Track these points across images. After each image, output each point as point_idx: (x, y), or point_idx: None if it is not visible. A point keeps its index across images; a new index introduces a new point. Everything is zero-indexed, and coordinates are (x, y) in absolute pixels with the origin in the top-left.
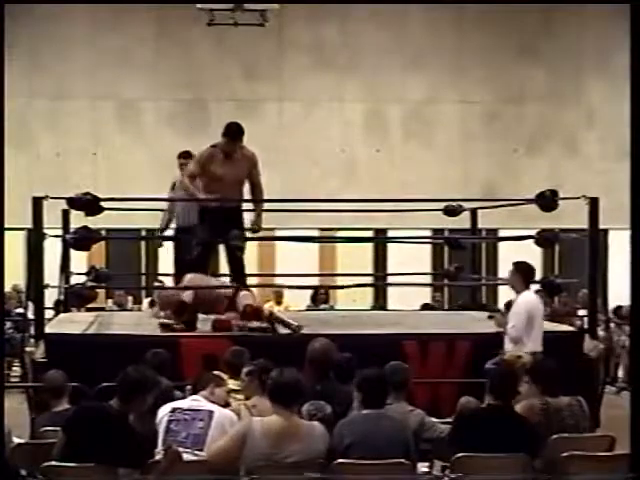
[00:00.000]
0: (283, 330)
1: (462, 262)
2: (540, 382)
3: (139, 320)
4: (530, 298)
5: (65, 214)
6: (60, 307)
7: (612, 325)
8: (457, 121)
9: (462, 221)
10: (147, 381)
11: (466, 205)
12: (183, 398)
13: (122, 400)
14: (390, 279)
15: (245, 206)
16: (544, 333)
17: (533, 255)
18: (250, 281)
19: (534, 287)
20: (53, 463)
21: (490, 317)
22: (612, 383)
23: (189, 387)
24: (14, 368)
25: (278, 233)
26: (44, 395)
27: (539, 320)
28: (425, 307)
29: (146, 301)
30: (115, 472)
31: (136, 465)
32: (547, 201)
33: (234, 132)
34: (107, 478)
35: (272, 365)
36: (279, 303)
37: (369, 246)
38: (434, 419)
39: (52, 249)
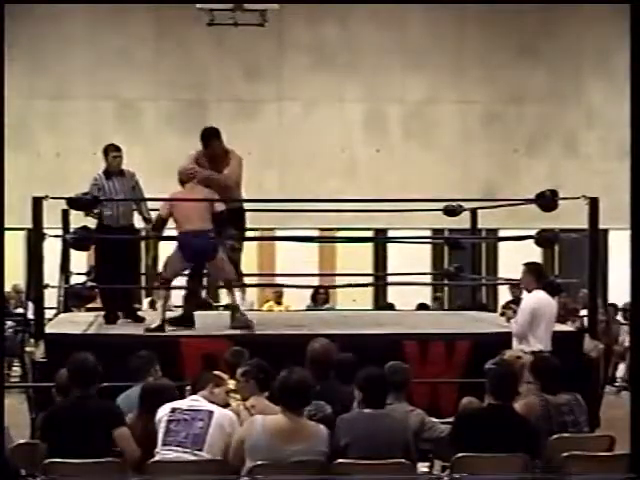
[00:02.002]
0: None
1: (462, 262)
2: (540, 379)
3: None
4: (538, 297)
5: (65, 214)
6: (60, 307)
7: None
8: (457, 121)
9: (462, 221)
10: (95, 367)
11: (466, 205)
12: (182, 398)
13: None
14: (390, 279)
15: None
16: None
17: (533, 255)
18: (250, 281)
19: None
20: (54, 460)
21: (502, 314)
22: (612, 383)
23: (189, 387)
24: (14, 368)
25: (278, 233)
26: (53, 392)
27: (546, 319)
28: (421, 307)
29: (146, 301)
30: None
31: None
32: (547, 201)
33: (203, 137)
34: (109, 473)
35: (267, 364)
36: (279, 303)
37: (369, 246)
38: (434, 419)
39: (52, 249)
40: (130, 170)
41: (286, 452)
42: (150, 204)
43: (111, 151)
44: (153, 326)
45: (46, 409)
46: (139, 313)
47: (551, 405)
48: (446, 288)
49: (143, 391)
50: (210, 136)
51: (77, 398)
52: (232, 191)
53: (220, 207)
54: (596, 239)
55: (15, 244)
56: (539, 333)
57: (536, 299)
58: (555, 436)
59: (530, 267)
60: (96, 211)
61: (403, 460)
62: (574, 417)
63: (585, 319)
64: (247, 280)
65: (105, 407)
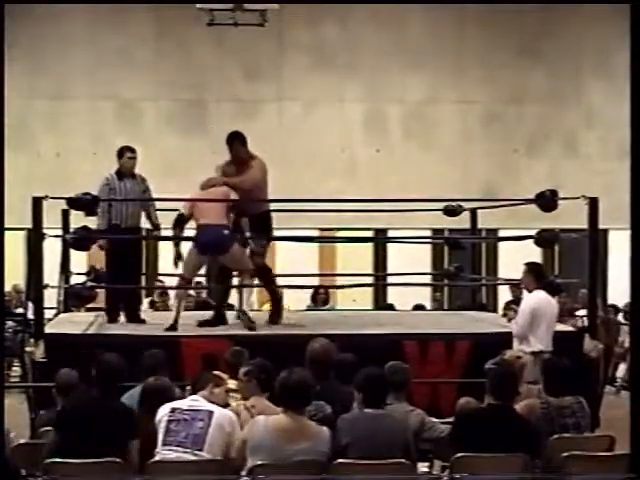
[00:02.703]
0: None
1: (462, 262)
2: (544, 380)
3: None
4: (538, 297)
5: (65, 214)
6: (60, 307)
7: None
8: (457, 121)
9: (462, 221)
10: (122, 369)
11: (466, 205)
12: (182, 398)
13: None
14: (390, 279)
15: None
16: None
17: (533, 255)
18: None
19: None
20: (54, 460)
21: (504, 315)
22: (612, 383)
23: (189, 387)
24: (14, 368)
25: (278, 233)
26: (52, 392)
27: (547, 319)
28: (417, 309)
29: (146, 301)
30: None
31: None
32: (547, 201)
33: (226, 140)
34: (108, 474)
35: (270, 365)
36: None
37: (369, 246)
38: (434, 419)
39: (52, 249)
40: (142, 175)
41: (289, 451)
42: (159, 204)
43: (126, 152)
44: (167, 326)
45: (53, 405)
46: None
47: (552, 407)
48: (446, 288)
49: (143, 391)
50: (231, 139)
51: (99, 396)
52: (252, 195)
53: (234, 196)
54: (596, 239)
55: (15, 244)
56: (540, 333)
57: (536, 299)
58: (555, 436)
59: (530, 267)
60: (99, 215)
61: (403, 460)
62: (576, 419)
63: (585, 319)
64: (272, 286)
65: (127, 412)
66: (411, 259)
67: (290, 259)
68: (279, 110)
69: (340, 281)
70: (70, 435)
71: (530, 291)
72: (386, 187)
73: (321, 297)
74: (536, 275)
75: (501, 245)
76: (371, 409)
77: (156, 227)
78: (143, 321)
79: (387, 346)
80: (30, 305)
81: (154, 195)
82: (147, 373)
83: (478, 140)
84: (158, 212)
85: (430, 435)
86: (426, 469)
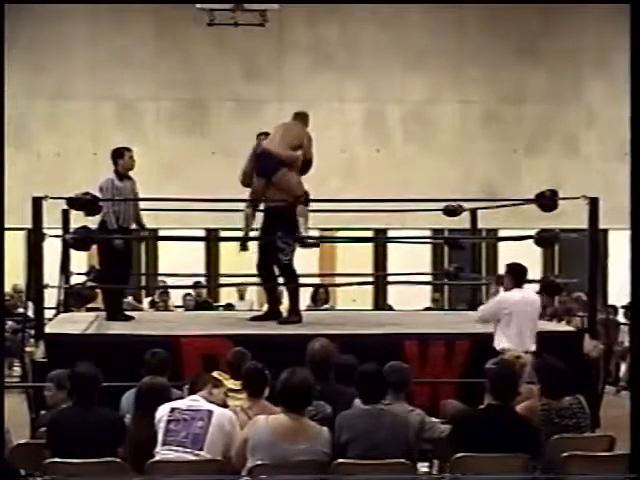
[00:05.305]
0: None
1: (462, 262)
2: (542, 383)
3: (139, 320)
4: (510, 296)
5: (65, 214)
6: (60, 307)
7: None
8: (457, 121)
9: (462, 221)
10: (98, 376)
11: (466, 205)
12: (181, 398)
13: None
14: (390, 279)
15: None
16: (544, 333)
17: (533, 255)
18: (250, 281)
19: (533, 287)
20: (54, 460)
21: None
22: (613, 383)
23: (186, 387)
24: (14, 368)
25: None
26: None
27: (521, 320)
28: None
29: (146, 301)
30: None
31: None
32: (547, 201)
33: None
34: (109, 473)
35: (265, 367)
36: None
37: (369, 246)
38: (434, 419)
39: (52, 249)
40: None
41: (289, 451)
42: (159, 204)
43: (127, 152)
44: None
45: (46, 410)
46: (136, 313)
47: (552, 409)
48: (446, 288)
49: (139, 391)
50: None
51: (81, 407)
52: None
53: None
54: (596, 239)
55: (15, 244)
56: (509, 333)
57: (508, 297)
58: (555, 436)
59: (509, 267)
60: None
61: (403, 460)
62: (576, 420)
63: (584, 319)
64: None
65: (111, 420)
66: (411, 259)
67: None
68: (279, 110)
69: (340, 281)
70: (60, 448)
71: (508, 290)
72: (386, 187)
73: (321, 297)
74: (514, 275)
75: (501, 245)
76: (369, 405)
77: (143, 227)
78: (132, 318)
79: (387, 346)
80: (30, 305)
81: (151, 189)
82: (149, 373)
83: (478, 140)
84: (157, 212)
85: (430, 435)
86: (426, 469)
